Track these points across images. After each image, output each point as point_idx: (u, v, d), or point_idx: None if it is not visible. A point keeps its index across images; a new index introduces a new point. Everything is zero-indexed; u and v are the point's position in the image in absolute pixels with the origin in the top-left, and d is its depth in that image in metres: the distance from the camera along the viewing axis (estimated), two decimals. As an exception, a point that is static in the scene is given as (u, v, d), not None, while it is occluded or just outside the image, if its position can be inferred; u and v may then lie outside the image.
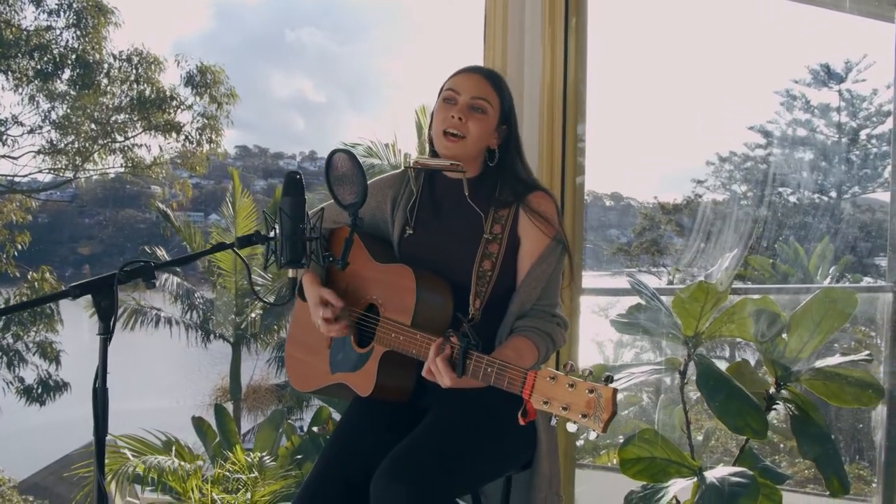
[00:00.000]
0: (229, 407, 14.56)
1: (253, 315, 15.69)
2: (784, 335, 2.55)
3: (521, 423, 1.58)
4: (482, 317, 1.91)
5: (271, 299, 14.23)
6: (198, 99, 13.32)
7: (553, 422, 1.54)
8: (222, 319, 15.94)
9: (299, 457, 11.84)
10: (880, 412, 3.65)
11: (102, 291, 1.60)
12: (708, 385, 2.34)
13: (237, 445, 7.39)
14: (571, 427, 1.50)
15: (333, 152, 1.82)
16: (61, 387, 12.41)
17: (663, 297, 2.63)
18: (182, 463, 6.74)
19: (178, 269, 16.41)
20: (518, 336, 1.89)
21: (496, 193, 1.99)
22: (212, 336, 16.45)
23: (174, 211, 16.41)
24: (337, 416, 13.14)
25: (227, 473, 6.61)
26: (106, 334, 1.60)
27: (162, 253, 16.24)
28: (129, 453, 7.20)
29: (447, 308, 1.90)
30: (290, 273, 1.75)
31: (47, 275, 12.14)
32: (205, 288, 16.69)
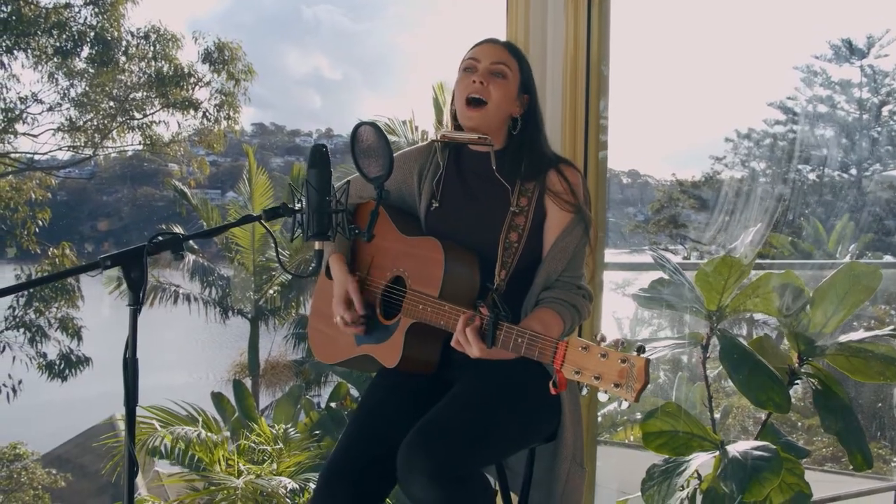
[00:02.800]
0: (247, 383, 14.68)
1: (271, 291, 15.77)
2: (807, 310, 2.55)
3: (553, 392, 1.60)
4: (507, 288, 1.92)
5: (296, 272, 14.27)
6: (215, 76, 13.30)
7: (584, 391, 1.55)
8: (240, 295, 16.03)
9: (317, 432, 11.95)
10: (901, 388, 3.65)
11: (132, 263, 1.62)
12: (731, 359, 2.35)
13: (261, 418, 7.46)
14: (603, 396, 1.51)
15: (359, 125, 1.82)
16: (83, 362, 12.53)
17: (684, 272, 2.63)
18: (209, 434, 6.82)
19: (195, 246, 16.50)
20: (544, 307, 1.90)
21: (522, 167, 1.99)
22: (230, 312, 16.56)
23: (191, 189, 16.46)
24: (355, 392, 13.24)
25: (253, 445, 6.68)
26: (136, 305, 1.62)
27: (180, 230, 16.29)
28: (156, 424, 7.28)
29: (474, 280, 1.91)
30: (317, 245, 1.76)
31: (67, 251, 12.22)
32: (222, 264, 16.78)
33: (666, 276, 2.64)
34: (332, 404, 12.57)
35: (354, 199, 2.15)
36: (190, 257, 16.27)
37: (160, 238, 1.66)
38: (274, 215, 1.75)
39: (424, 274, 1.92)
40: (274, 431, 6.85)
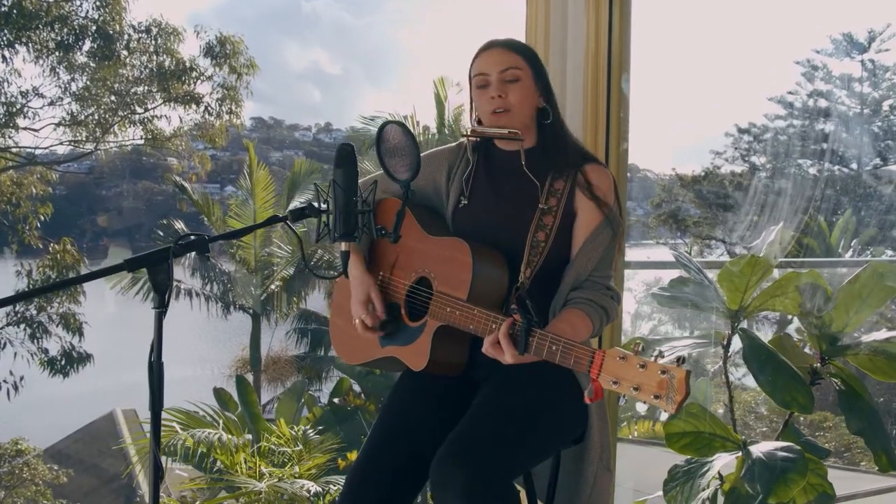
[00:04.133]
0: (249, 378, 14.67)
1: (273, 286, 15.75)
2: (829, 309, 2.53)
3: (587, 401, 1.58)
4: (531, 287, 1.89)
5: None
6: (217, 70, 13.28)
7: (622, 402, 1.54)
8: (242, 290, 16.02)
9: (321, 427, 11.94)
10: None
11: (157, 265, 1.60)
12: (756, 360, 2.33)
13: (280, 420, 7.40)
14: (641, 407, 1.50)
15: (385, 123, 1.80)
16: (84, 358, 12.51)
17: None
18: (230, 436, 6.78)
19: (196, 241, 16.44)
20: (572, 308, 1.88)
21: (552, 162, 1.96)
22: (232, 307, 16.55)
23: (192, 184, 16.43)
24: (357, 388, 13.23)
25: (273, 447, 6.63)
26: (161, 308, 1.59)
27: (181, 226, 16.29)
28: (176, 426, 7.23)
29: (503, 283, 1.89)
30: (343, 246, 1.73)
31: (69, 246, 12.20)
32: (224, 259, 16.76)
33: (686, 275, 2.62)
34: (335, 400, 12.56)
35: (379, 196, 2.12)
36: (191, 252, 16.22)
37: (186, 239, 1.64)
38: (300, 216, 1.72)
39: (451, 276, 1.89)
40: (293, 433, 6.79)
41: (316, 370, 16.08)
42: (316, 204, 1.72)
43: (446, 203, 2.07)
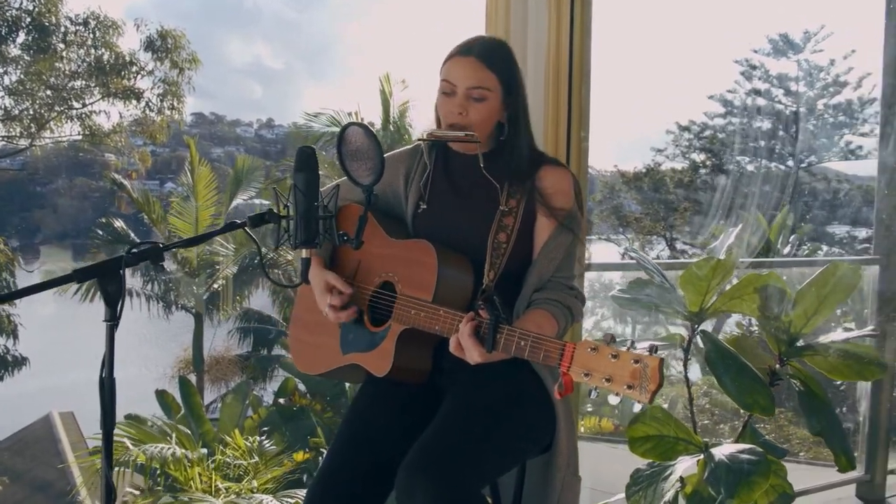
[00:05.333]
0: (192, 379, 14.40)
1: (216, 285, 15.50)
2: (788, 311, 2.54)
3: (557, 396, 1.54)
4: (495, 288, 1.85)
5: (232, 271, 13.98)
6: (158, 64, 12.96)
7: (593, 395, 1.50)
8: (184, 290, 15.72)
9: (266, 428, 11.78)
10: (866, 385, 3.70)
11: (108, 275, 1.51)
12: (719, 362, 2.32)
13: (236, 430, 7.18)
14: (614, 399, 1.46)
15: (347, 125, 1.73)
16: (20, 362, 12.14)
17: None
18: (184, 451, 6.54)
19: (136, 239, 16.11)
20: (537, 309, 1.84)
21: (511, 166, 1.92)
22: (173, 307, 16.24)
23: (131, 181, 16.07)
24: (303, 387, 13.08)
25: (229, 460, 6.41)
26: (113, 321, 1.51)
27: (120, 224, 15.91)
28: (128, 442, 6.93)
29: (468, 286, 1.84)
30: (304, 253, 1.67)
31: (1, 245, 11.83)
32: (165, 258, 16.41)
33: (645, 277, 2.60)
34: (281, 400, 12.40)
35: (340, 201, 2.05)
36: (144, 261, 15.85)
37: (138, 249, 1.56)
38: (260, 222, 1.65)
39: (416, 278, 1.84)
40: (249, 444, 6.58)
41: (260, 369, 15.88)
42: (276, 209, 1.65)
43: (405, 208, 2.02)
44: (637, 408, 1.45)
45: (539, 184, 1.92)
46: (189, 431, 8.31)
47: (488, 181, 1.92)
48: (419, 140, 1.98)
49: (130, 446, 6.92)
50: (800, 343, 2.51)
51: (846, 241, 23.53)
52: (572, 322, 1.91)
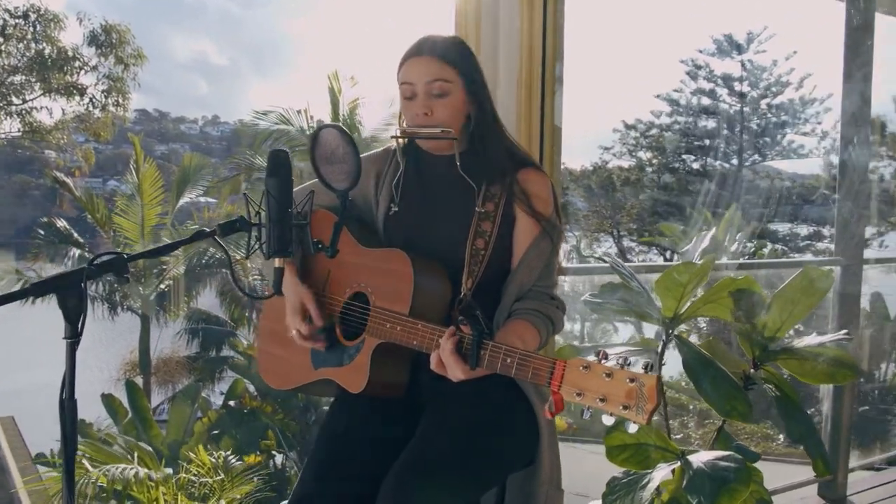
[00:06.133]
0: (139, 381, 14.09)
1: (163, 286, 15.19)
2: (762, 315, 2.52)
3: (548, 416, 1.46)
4: (474, 297, 1.77)
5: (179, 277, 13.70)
6: (102, 60, 12.60)
7: (586, 415, 1.43)
8: (129, 291, 15.37)
9: (216, 432, 11.57)
10: (828, 387, 3.72)
11: (69, 289, 1.41)
12: (696, 368, 2.28)
13: (200, 447, 6.90)
14: (608, 420, 1.39)
15: (321, 127, 1.64)
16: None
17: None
18: (147, 471, 6.26)
19: (80, 240, 15.71)
20: (519, 320, 1.77)
21: (489, 164, 1.85)
22: (119, 308, 15.87)
23: (74, 179, 15.66)
24: (252, 388, 12.87)
25: (193, 478, 6.14)
26: (74, 338, 1.41)
27: (63, 224, 15.49)
28: (87, 465, 6.57)
29: (446, 295, 1.76)
30: (277, 263, 1.58)
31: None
32: (109, 258, 16.03)
33: (617, 280, 2.56)
34: (231, 402, 12.18)
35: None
36: (74, 251, 15.47)
37: (101, 260, 1.45)
38: (230, 230, 1.56)
39: (390, 289, 1.75)
40: (214, 460, 6.33)
41: (209, 371, 15.61)
42: (247, 216, 1.56)
43: (376, 211, 1.93)
44: (632, 428, 1.38)
45: (521, 186, 1.85)
46: (151, 449, 8.02)
47: (465, 182, 1.84)
48: (392, 136, 1.90)
49: (90, 468, 6.58)
50: (774, 347, 2.49)
51: (789, 238, 24.05)
52: (554, 332, 1.85)
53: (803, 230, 24.35)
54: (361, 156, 1.88)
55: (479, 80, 1.87)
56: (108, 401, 11.87)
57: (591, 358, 1.43)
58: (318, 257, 1.90)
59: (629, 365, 1.40)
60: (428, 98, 1.80)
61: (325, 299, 1.87)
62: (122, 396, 12.05)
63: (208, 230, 1.56)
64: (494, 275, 1.83)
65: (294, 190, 1.56)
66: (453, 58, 1.82)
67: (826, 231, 23.83)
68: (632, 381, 1.37)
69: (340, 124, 1.67)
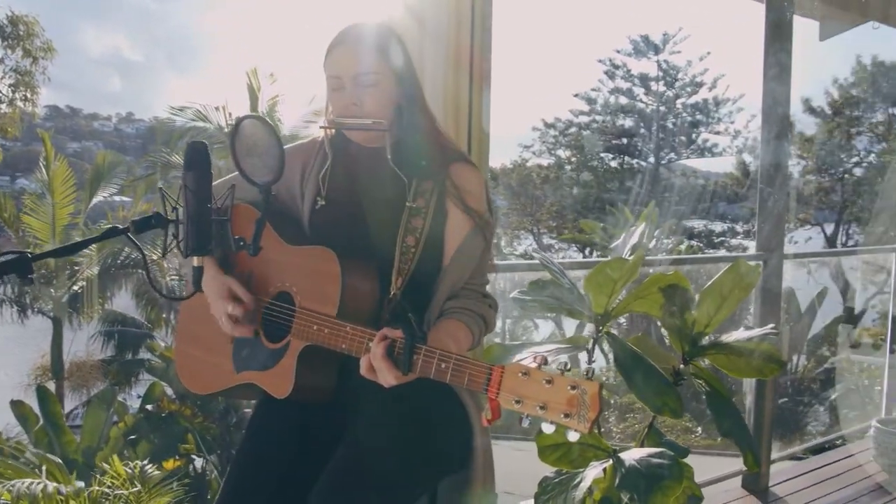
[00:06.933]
0: (51, 387, 13.57)
1: (76, 287, 14.68)
2: (691, 310, 2.52)
3: (485, 424, 1.40)
4: (404, 296, 1.71)
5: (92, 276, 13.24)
6: (9, 52, 12.06)
7: (526, 423, 1.37)
8: (40, 293, 14.80)
9: (133, 437, 11.22)
10: (751, 380, 3.78)
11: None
12: (627, 364, 2.26)
13: (114, 457, 6.57)
14: (548, 428, 1.33)
15: (243, 118, 1.55)
16: None
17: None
18: (56, 484, 5.92)
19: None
20: (451, 319, 1.71)
21: (419, 160, 1.78)
22: (29, 310, 15.29)
23: (-22, 177, 15.01)
24: (170, 391, 12.53)
25: (107, 489, 5.83)
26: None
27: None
28: None
29: (374, 294, 1.69)
30: (196, 262, 1.48)
31: None
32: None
33: (548, 278, 2.53)
34: (149, 406, 11.82)
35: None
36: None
37: (1, 259, 1.34)
38: (145, 226, 1.46)
39: (317, 289, 1.67)
40: (130, 471, 6.03)
41: (124, 374, 15.17)
42: (163, 212, 1.46)
43: (301, 205, 1.84)
44: (573, 437, 1.33)
45: (453, 181, 1.79)
46: (60, 461, 7.65)
47: (395, 175, 1.77)
48: (321, 127, 1.82)
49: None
50: (704, 342, 2.49)
51: (704, 235, 24.68)
52: (487, 332, 1.80)
53: (717, 227, 25.02)
54: (285, 147, 1.79)
55: (409, 69, 1.81)
56: (18, 407, 11.38)
57: (530, 363, 1.38)
58: (239, 255, 1.81)
59: (569, 371, 1.35)
60: (356, 88, 1.72)
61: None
62: (32, 402, 11.57)
63: (121, 227, 1.46)
64: (425, 272, 1.76)
65: (214, 184, 1.47)
66: (380, 46, 1.76)
67: (739, 227, 24.54)
68: (573, 388, 1.32)
69: (263, 116, 1.58)
